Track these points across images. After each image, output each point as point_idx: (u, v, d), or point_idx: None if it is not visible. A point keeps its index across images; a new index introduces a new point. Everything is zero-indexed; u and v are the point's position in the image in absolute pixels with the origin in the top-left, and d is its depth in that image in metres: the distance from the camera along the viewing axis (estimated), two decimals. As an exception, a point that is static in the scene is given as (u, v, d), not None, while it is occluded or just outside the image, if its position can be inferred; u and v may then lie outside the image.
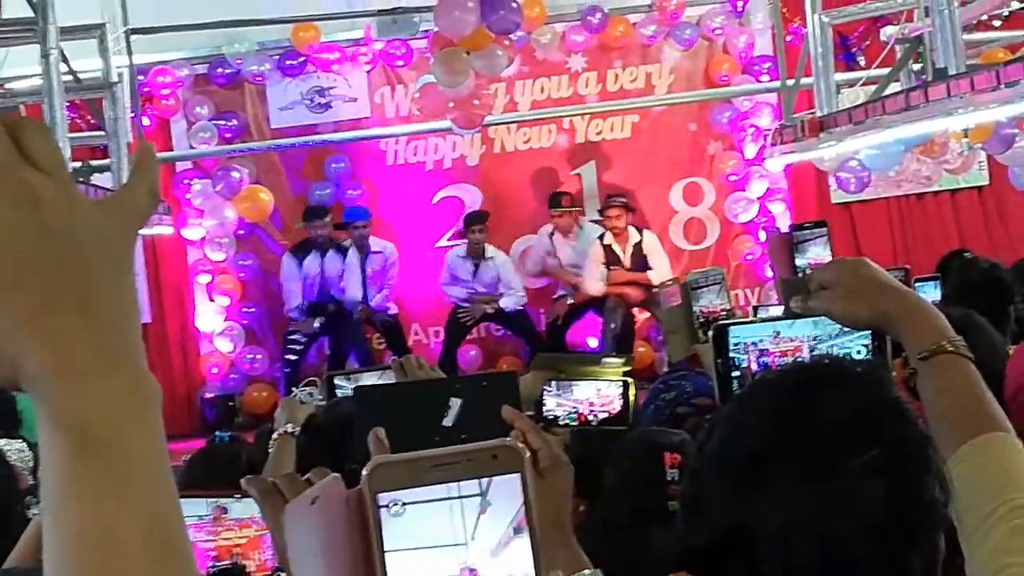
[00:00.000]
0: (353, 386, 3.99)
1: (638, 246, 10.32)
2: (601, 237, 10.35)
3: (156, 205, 0.84)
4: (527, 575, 0.98)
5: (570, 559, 1.74)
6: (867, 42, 10.75)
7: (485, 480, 0.98)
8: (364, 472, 0.98)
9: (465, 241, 10.43)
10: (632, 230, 10.34)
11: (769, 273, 10.77)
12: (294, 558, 1.04)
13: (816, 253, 3.06)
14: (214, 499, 2.87)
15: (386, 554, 0.97)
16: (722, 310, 3.61)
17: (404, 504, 0.97)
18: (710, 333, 2.49)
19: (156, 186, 0.84)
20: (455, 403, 1.71)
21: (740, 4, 11.13)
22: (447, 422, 1.70)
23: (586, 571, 1.72)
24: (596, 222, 10.66)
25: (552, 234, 10.64)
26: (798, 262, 2.99)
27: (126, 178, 0.84)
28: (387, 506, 0.97)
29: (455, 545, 0.97)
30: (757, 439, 1.56)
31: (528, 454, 1.01)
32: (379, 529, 0.97)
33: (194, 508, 2.81)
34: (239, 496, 2.86)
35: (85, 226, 0.77)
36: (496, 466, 0.99)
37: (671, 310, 3.63)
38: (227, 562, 2.80)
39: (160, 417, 0.78)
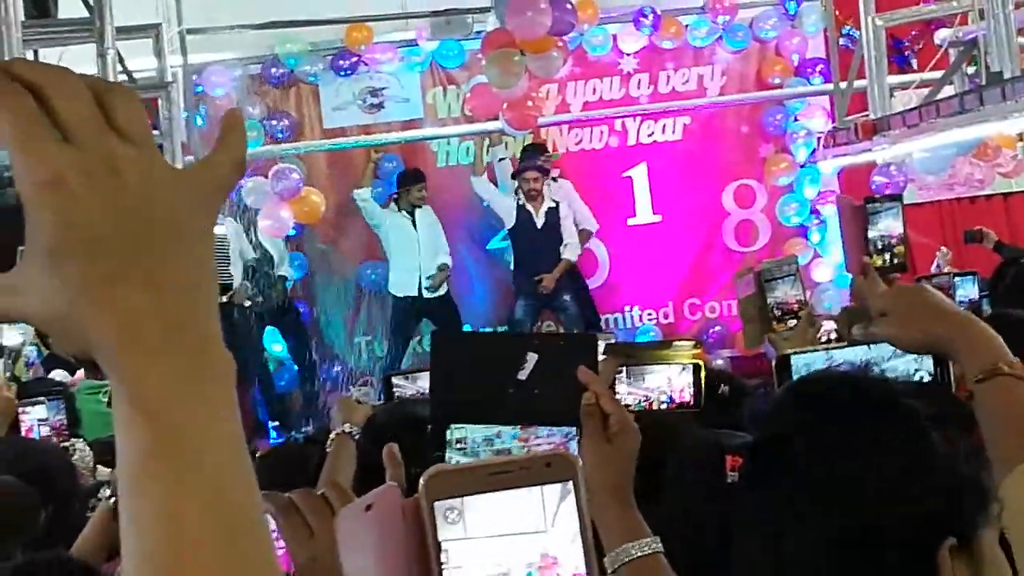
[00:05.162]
0: (413, 385, 3.99)
1: (552, 211, 10.27)
2: (516, 194, 10.31)
3: (240, 175, 0.81)
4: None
5: (631, 526, 1.75)
6: (920, 45, 10.68)
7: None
8: (421, 481, 0.98)
9: None
10: (547, 194, 10.28)
11: (829, 264, 10.72)
12: (347, 565, 1.04)
13: (888, 225, 3.10)
14: None
15: (446, 565, 0.97)
16: (796, 301, 3.60)
17: (460, 512, 0.97)
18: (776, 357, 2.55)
19: (242, 156, 0.81)
20: (531, 358, 1.71)
21: (793, 6, 11.09)
22: (521, 376, 1.70)
23: (646, 539, 1.74)
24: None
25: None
26: (870, 233, 3.04)
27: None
28: (444, 514, 0.97)
29: (526, 534, 0.97)
30: (781, 422, 1.58)
31: (582, 463, 1.01)
32: (436, 537, 0.97)
33: None
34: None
35: (162, 200, 0.74)
36: (550, 474, 0.98)
37: (746, 299, 3.64)
38: None
39: (233, 393, 0.76)
